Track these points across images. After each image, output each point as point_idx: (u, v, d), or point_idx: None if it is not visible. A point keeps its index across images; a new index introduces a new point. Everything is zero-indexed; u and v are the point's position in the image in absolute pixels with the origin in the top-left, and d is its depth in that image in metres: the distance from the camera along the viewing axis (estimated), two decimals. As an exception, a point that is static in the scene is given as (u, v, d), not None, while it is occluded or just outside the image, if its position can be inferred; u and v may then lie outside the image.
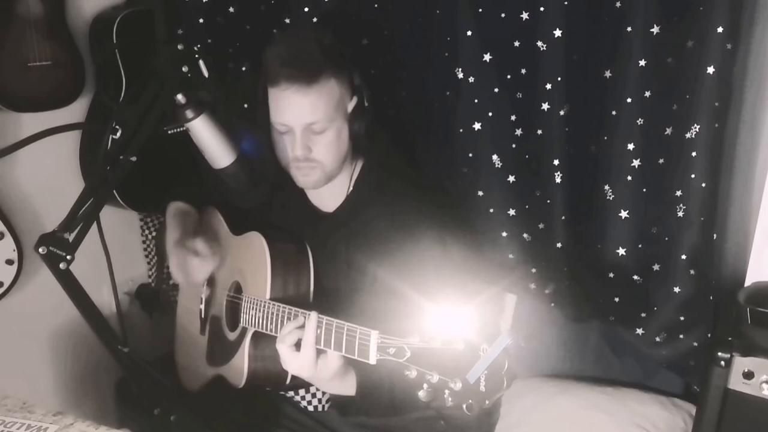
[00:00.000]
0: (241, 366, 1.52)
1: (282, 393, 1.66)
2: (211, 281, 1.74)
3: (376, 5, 1.76)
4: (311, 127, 1.46)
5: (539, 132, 1.62)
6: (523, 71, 1.59)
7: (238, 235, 1.66)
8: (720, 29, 1.35)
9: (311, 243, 1.57)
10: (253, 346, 1.51)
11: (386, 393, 1.42)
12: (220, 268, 1.67)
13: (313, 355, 1.32)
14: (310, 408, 1.66)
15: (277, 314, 1.43)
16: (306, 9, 1.80)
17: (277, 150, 1.53)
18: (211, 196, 1.77)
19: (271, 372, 1.49)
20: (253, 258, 1.56)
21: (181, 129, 1.35)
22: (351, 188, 1.59)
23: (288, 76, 1.41)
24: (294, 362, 1.35)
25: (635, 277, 1.65)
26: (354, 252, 1.55)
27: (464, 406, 1.05)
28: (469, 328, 1.06)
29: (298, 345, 1.34)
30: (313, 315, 1.32)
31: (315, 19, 1.80)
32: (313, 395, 1.66)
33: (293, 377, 1.46)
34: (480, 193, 1.73)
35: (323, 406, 1.66)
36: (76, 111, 1.94)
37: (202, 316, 1.75)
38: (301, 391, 1.66)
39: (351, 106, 1.51)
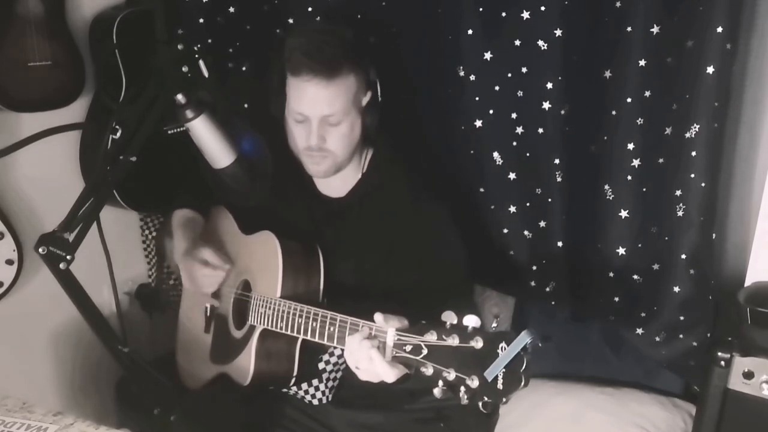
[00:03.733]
0: (247, 364, 1.52)
1: (285, 389, 1.65)
2: None
3: (381, 4, 1.76)
4: (327, 118, 1.49)
5: (540, 130, 1.62)
6: (524, 70, 1.60)
7: (248, 234, 1.67)
8: (720, 29, 1.35)
9: (319, 232, 1.58)
10: (260, 344, 1.52)
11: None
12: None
13: (383, 361, 1.22)
14: (315, 401, 1.64)
15: (289, 312, 1.44)
16: (309, 9, 1.80)
17: (290, 138, 1.56)
18: (216, 198, 1.78)
19: (277, 370, 1.50)
20: (264, 257, 1.57)
21: (181, 129, 1.35)
22: (363, 173, 1.62)
23: (310, 67, 1.44)
24: (369, 372, 1.26)
25: (635, 277, 1.65)
26: (363, 242, 1.57)
27: (480, 404, 1.05)
28: (486, 326, 1.06)
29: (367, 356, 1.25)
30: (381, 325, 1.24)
31: (318, 18, 1.80)
32: (317, 388, 1.65)
33: (297, 377, 1.46)
34: (481, 189, 1.73)
35: (327, 398, 1.65)
36: (76, 111, 1.93)
37: (208, 314, 1.75)
38: (304, 385, 1.64)
39: (365, 100, 1.54)
